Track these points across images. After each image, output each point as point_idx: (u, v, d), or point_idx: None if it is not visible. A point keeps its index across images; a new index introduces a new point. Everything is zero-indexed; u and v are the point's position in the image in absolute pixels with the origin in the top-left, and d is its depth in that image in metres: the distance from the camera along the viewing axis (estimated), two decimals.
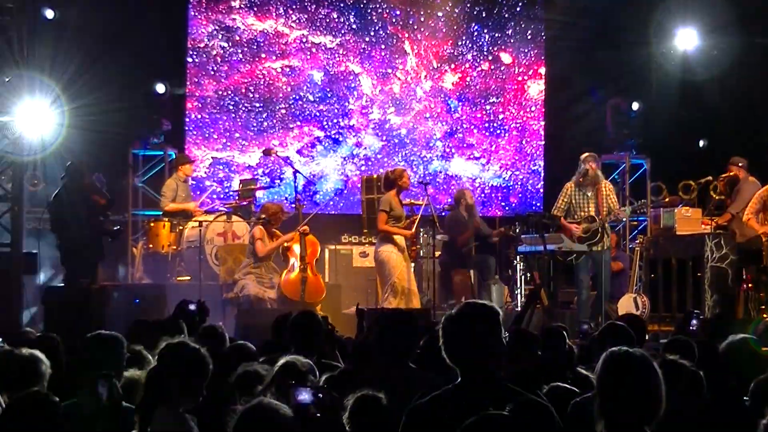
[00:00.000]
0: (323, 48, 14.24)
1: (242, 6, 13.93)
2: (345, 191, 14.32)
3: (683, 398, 4.30)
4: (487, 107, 14.93)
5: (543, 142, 15.13)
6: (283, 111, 14.09)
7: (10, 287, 10.60)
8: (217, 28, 13.84)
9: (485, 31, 14.88)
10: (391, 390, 4.09)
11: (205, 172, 13.80)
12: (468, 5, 14.80)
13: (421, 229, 11.94)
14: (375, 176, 12.78)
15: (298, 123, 14.16)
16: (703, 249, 10.95)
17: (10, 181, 10.98)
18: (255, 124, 13.99)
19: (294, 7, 14.13)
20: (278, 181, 13.94)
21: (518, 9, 15.00)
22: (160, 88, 13.08)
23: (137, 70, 12.85)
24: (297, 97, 14.14)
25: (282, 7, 14.09)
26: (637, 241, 12.60)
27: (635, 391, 3.38)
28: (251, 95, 13.97)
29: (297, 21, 14.14)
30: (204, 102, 13.87)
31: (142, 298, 10.53)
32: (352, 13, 14.37)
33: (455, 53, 14.78)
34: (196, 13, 13.83)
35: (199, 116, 13.86)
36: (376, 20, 14.47)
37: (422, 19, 14.64)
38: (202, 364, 4.25)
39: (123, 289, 10.99)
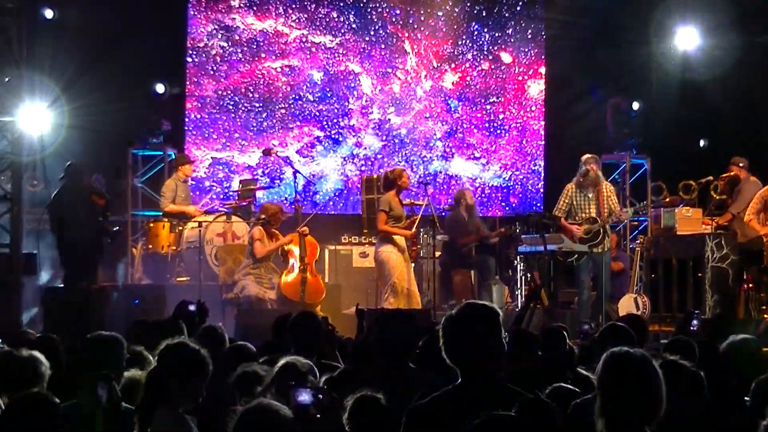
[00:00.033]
0: (323, 47, 14.22)
1: (242, 5, 13.91)
2: (345, 191, 14.29)
3: (684, 398, 4.28)
4: (487, 107, 14.91)
5: (543, 142, 15.10)
6: (283, 111, 14.07)
7: (10, 288, 10.60)
8: (216, 27, 13.82)
9: (485, 30, 14.85)
10: (391, 390, 4.09)
11: (205, 173, 13.78)
12: (468, 4, 14.78)
13: (421, 230, 11.94)
14: (375, 176, 12.79)
15: (298, 123, 14.14)
16: (704, 249, 10.93)
17: (10, 182, 10.97)
18: (255, 124, 13.97)
19: (294, 6, 14.11)
20: (278, 181, 13.92)
21: (518, 8, 14.98)
22: (160, 88, 13.07)
23: (137, 70, 12.83)
24: (297, 97, 14.12)
25: (282, 6, 14.06)
26: (638, 242, 12.59)
27: (636, 392, 3.38)
28: (251, 95, 13.95)
29: (297, 20, 14.12)
30: (204, 102, 13.85)
31: (142, 299, 10.53)
32: (352, 13, 14.35)
33: (455, 53, 14.75)
34: (196, 13, 13.81)
35: (199, 116, 13.84)
36: (375, 20, 14.45)
37: (422, 19, 14.61)
38: (202, 364, 4.25)
39: (123, 290, 11.00)
